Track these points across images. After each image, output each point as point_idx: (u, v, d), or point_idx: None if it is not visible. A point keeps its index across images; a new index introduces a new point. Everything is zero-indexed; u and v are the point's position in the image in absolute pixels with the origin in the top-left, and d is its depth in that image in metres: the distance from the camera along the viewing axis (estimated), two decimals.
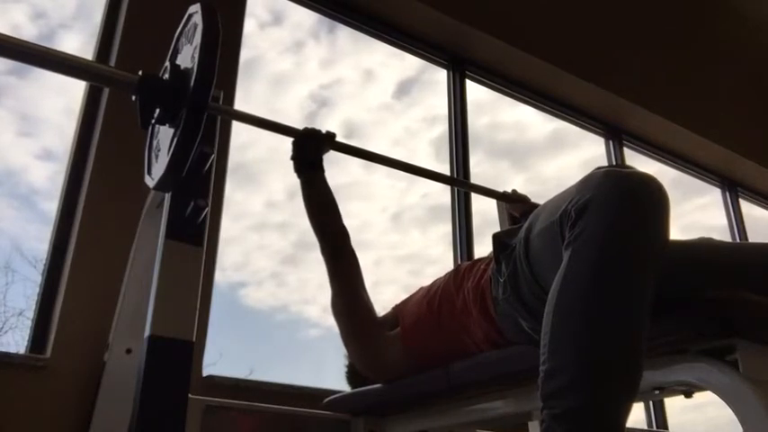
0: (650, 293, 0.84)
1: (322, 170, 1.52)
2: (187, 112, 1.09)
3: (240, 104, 2.40)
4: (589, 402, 0.78)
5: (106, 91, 2.15)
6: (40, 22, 2.40)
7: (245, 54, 2.51)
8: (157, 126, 1.31)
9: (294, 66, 3.12)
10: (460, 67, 3.34)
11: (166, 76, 1.22)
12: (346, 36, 3.25)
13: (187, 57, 1.22)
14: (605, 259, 0.84)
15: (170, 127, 1.19)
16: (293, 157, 1.52)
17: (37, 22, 2.40)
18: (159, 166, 1.26)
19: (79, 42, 2.48)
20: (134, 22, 2.26)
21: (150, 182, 1.33)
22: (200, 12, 1.19)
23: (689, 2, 4.52)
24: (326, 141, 1.55)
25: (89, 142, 2.10)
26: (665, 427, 3.23)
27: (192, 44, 1.21)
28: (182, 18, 1.33)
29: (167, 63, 1.27)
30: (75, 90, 2.27)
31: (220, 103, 1.57)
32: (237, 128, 2.37)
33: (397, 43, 3.19)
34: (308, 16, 3.04)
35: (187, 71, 1.17)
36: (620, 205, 0.86)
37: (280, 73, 3.04)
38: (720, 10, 4.69)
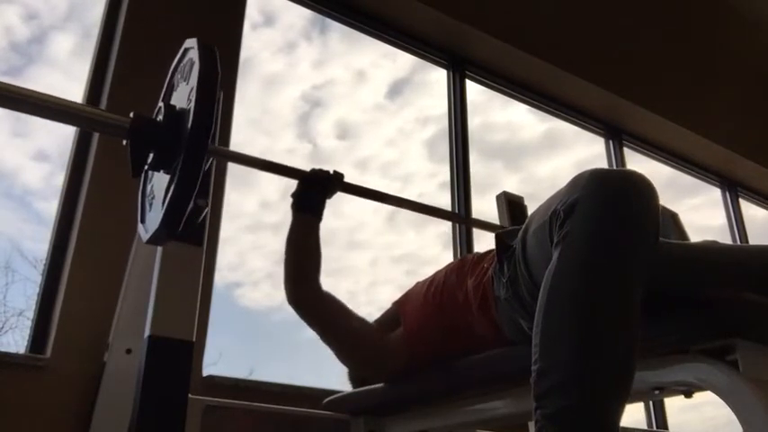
0: (639, 291, 0.83)
1: (320, 218, 1.41)
2: (184, 159, 0.98)
3: (236, 105, 2.40)
4: (581, 401, 0.78)
5: (106, 91, 2.15)
6: (33, 23, 2.41)
7: None
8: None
9: (287, 66, 3.12)
10: (460, 67, 3.34)
11: (160, 117, 1.11)
12: (338, 37, 3.25)
13: (183, 96, 1.12)
14: (591, 259, 0.85)
15: (165, 173, 1.09)
16: (295, 194, 1.42)
17: (29, 23, 2.40)
18: (153, 217, 1.14)
19: (71, 44, 2.49)
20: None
21: (143, 233, 1.19)
22: (196, 48, 1.08)
23: (689, 2, 4.52)
24: (335, 183, 1.44)
25: (89, 142, 2.10)
26: (665, 426, 3.23)
27: (187, 83, 1.12)
28: (176, 51, 1.23)
29: (161, 103, 1.15)
30: (70, 91, 2.28)
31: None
32: (233, 126, 2.37)
33: (396, 43, 3.19)
34: (299, 18, 3.04)
35: (183, 112, 1.07)
36: (605, 205, 0.86)
37: (272, 74, 3.05)
38: (720, 10, 4.69)
